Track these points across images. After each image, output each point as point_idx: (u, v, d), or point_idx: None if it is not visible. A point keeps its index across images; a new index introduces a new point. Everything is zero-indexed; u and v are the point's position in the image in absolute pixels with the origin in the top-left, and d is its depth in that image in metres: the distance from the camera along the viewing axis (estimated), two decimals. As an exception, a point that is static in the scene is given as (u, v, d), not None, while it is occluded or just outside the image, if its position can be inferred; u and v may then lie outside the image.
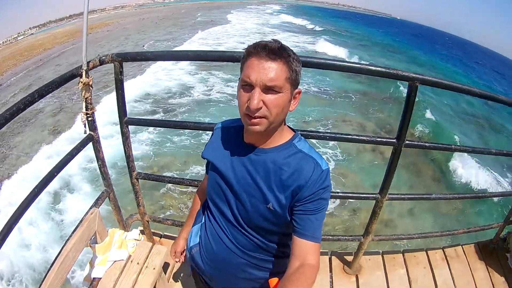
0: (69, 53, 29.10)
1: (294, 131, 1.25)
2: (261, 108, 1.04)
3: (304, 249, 1.11)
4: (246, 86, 1.05)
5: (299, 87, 1.14)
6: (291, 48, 1.09)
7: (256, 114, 1.05)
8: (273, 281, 1.24)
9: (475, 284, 2.69)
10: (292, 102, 1.12)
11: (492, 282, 2.75)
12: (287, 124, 1.23)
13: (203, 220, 1.44)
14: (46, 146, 10.60)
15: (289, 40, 30.15)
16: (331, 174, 1.20)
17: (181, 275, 2.45)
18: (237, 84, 1.13)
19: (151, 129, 10.85)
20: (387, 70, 1.63)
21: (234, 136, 1.28)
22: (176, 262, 1.78)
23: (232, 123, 1.36)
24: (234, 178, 1.23)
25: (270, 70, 1.01)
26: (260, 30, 37.37)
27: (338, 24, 63.78)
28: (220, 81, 17.16)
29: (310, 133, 1.79)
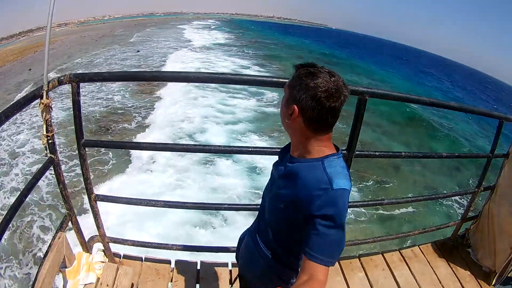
0: (18, 71, 28.25)
1: (338, 150, 1.29)
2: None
3: (312, 268, 1.13)
4: None
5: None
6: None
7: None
8: None
9: (440, 281, 2.82)
10: (288, 113, 1.21)
11: (457, 277, 2.90)
12: (332, 142, 1.29)
13: None
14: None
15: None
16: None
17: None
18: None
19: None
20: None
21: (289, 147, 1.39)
22: None
23: None
24: (272, 177, 1.44)
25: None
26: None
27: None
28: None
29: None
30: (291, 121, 1.21)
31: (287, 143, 1.45)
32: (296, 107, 1.16)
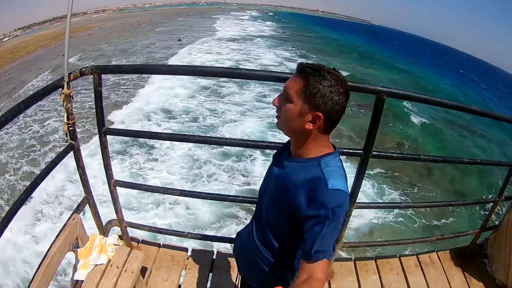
0: (51, 56, 28.94)
1: (335, 149, 1.30)
2: (277, 106, 1.26)
3: (310, 267, 1.14)
4: None
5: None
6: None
7: (277, 111, 1.27)
8: None
9: None
10: (306, 120, 1.18)
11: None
12: (330, 141, 1.31)
13: None
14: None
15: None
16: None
17: (158, 279, 2.50)
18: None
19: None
20: (353, 84, 1.70)
21: (289, 146, 1.40)
22: None
23: None
24: (269, 176, 1.45)
25: (291, 81, 1.20)
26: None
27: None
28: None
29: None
30: (310, 127, 1.19)
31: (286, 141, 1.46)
32: (320, 114, 1.16)
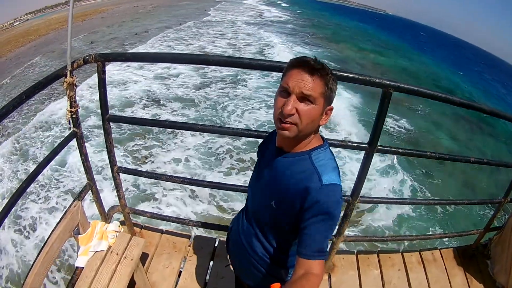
0: (63, 39, 28.75)
1: (324, 141, 1.29)
2: (293, 114, 1.12)
3: (306, 263, 1.13)
4: (284, 92, 1.15)
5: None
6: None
7: (288, 120, 1.13)
8: (276, 286, 1.30)
9: None
10: (323, 117, 1.20)
11: None
12: (319, 133, 1.29)
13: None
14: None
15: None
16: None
17: (159, 266, 2.53)
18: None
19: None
20: (359, 77, 1.69)
21: (274, 139, 1.37)
22: None
23: None
24: (258, 174, 1.42)
25: (309, 82, 1.11)
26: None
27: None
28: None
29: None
30: (323, 123, 1.21)
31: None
32: (332, 107, 1.20)
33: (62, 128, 10.88)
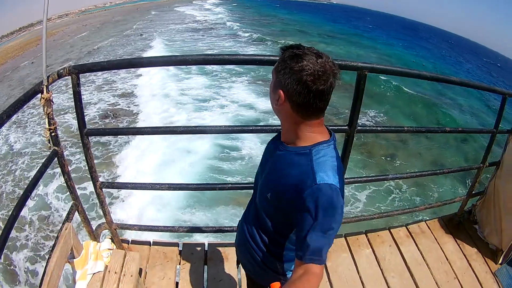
0: (20, 67, 28.17)
1: (331, 136, 1.22)
2: None
3: (304, 265, 1.09)
4: None
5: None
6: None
7: None
8: (275, 285, 1.30)
9: (446, 258, 2.82)
10: (276, 98, 1.14)
11: (464, 254, 2.89)
12: (325, 127, 1.23)
13: None
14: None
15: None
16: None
17: (155, 279, 2.47)
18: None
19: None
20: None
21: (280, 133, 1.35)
22: None
23: None
24: (262, 164, 1.41)
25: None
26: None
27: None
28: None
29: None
30: (279, 107, 1.15)
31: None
32: (282, 92, 1.10)
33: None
